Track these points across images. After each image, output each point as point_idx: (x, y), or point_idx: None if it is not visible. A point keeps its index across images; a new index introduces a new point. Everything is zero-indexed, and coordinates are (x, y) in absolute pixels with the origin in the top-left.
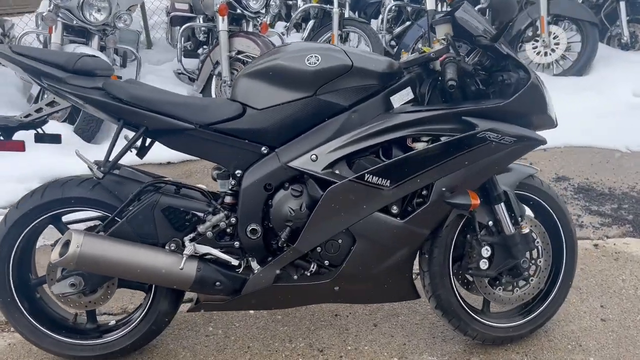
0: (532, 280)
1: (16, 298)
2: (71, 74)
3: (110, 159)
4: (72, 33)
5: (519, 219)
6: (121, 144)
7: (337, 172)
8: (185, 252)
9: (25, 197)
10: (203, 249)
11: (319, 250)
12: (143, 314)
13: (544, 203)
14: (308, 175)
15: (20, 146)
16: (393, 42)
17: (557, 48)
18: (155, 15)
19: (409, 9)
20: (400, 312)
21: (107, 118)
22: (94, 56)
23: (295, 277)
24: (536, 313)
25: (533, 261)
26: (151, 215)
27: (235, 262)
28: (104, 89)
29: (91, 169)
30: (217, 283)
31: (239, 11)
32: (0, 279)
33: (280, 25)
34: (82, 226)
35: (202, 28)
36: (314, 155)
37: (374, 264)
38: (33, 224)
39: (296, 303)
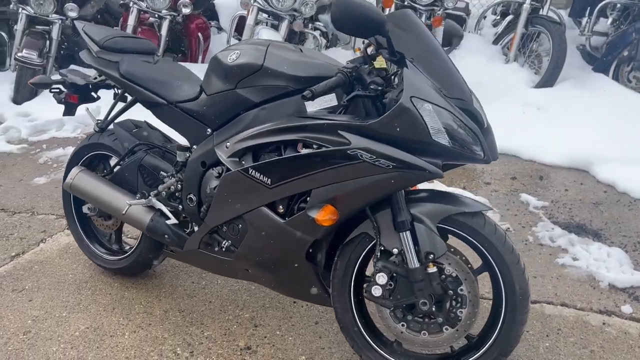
0: (446, 329)
1: (74, 213)
2: (101, 49)
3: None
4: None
5: (429, 254)
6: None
7: (242, 162)
8: (145, 203)
9: (83, 139)
10: (157, 204)
11: (225, 230)
12: (134, 248)
13: (482, 248)
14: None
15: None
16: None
17: None
18: None
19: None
20: None
21: (116, 86)
22: (132, 37)
23: (216, 248)
24: None
25: (452, 309)
26: (134, 169)
27: (174, 220)
28: (117, 64)
29: (94, 125)
30: (166, 235)
31: (407, 3)
32: (65, 200)
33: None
34: None
35: None
36: (228, 143)
37: (265, 255)
38: (83, 160)
39: (216, 271)
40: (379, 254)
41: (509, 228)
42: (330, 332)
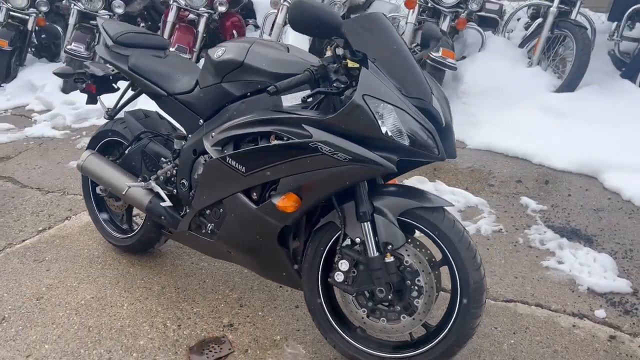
0: (403, 317)
1: (91, 195)
2: (114, 43)
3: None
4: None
5: (387, 245)
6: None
7: (224, 151)
8: (145, 186)
9: (100, 126)
10: (155, 187)
11: (209, 213)
12: (139, 228)
13: (440, 242)
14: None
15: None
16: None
17: None
18: None
19: None
20: None
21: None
22: (146, 33)
23: (203, 231)
24: (423, 356)
25: (409, 298)
26: (139, 155)
27: (169, 203)
28: (127, 57)
29: (104, 113)
30: (162, 217)
31: (430, 5)
32: (84, 182)
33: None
34: None
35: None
36: (213, 133)
37: (242, 238)
38: (100, 145)
39: (205, 252)
40: (342, 242)
41: (501, 229)
42: (308, 316)
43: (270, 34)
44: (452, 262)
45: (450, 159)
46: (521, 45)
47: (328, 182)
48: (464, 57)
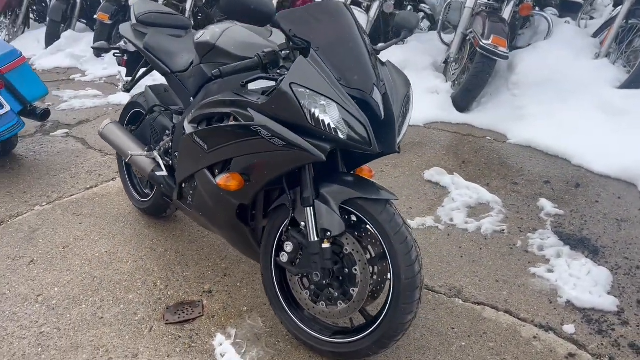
0: (340, 304)
1: (123, 161)
2: (136, 22)
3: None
4: None
5: (326, 231)
6: None
7: (198, 127)
8: (147, 155)
9: (131, 98)
10: (157, 158)
11: (186, 185)
12: (153, 193)
13: (378, 235)
14: None
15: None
16: None
17: None
18: None
19: None
20: None
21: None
22: (169, 13)
23: (186, 201)
24: (342, 347)
25: (345, 286)
26: (149, 126)
27: (165, 173)
28: (144, 36)
29: (121, 86)
30: (162, 185)
31: None
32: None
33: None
34: None
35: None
36: (192, 111)
37: (210, 212)
38: (129, 115)
39: (193, 220)
40: (289, 225)
41: (503, 230)
42: None
43: None
44: (388, 256)
45: (389, 152)
46: (595, 35)
47: (269, 166)
48: (529, 45)
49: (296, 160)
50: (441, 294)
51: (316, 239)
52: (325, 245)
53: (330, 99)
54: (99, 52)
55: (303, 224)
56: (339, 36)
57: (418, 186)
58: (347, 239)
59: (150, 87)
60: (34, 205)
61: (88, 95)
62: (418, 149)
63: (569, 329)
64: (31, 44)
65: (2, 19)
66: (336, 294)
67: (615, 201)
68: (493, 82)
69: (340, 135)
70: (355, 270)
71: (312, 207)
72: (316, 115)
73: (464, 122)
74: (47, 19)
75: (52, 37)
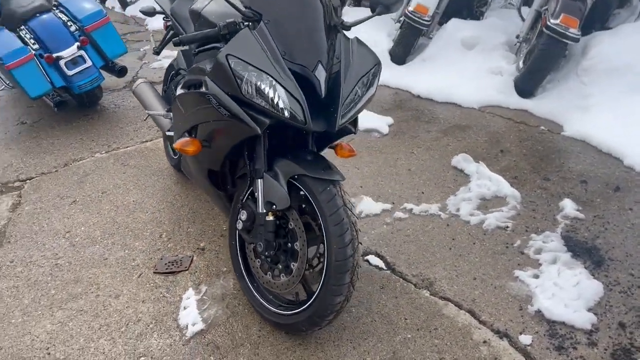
0: (282, 276)
1: None
2: None
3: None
4: None
5: (271, 204)
6: None
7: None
8: (165, 115)
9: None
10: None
11: None
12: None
13: (318, 213)
14: None
15: None
16: None
17: None
18: None
19: None
20: None
21: None
22: None
23: (182, 163)
24: (281, 319)
25: (286, 260)
26: (171, 89)
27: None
28: (172, 2)
29: (152, 49)
30: (170, 145)
31: None
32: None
33: None
34: None
35: None
36: (185, 76)
37: (192, 175)
38: (170, 77)
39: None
40: (245, 194)
41: (507, 227)
42: None
43: None
44: (324, 234)
45: (328, 130)
46: None
47: (222, 134)
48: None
49: (239, 131)
50: (411, 283)
51: (263, 210)
52: (269, 217)
53: (266, 72)
54: (146, 15)
55: (256, 194)
56: (296, 11)
57: (441, 171)
58: (292, 214)
59: (182, 51)
60: (95, 152)
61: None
62: (460, 132)
63: (526, 339)
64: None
65: None
66: (280, 266)
67: None
68: (566, 66)
69: (273, 110)
70: (296, 246)
71: (262, 179)
72: (250, 88)
73: (522, 108)
74: None
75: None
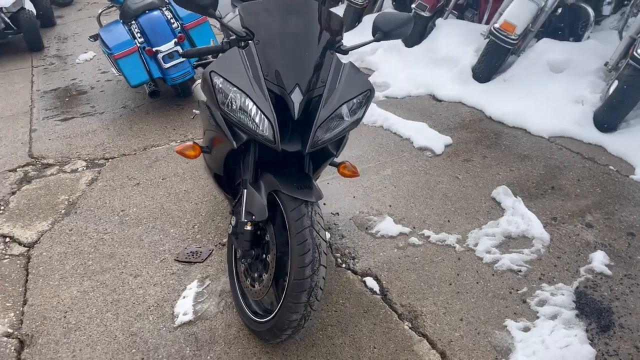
0: (258, 284)
1: None
2: None
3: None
4: None
5: (250, 214)
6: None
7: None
8: None
9: None
10: None
11: None
12: None
13: (287, 227)
14: None
15: None
16: None
17: None
18: None
19: None
20: None
21: None
22: None
23: None
24: (251, 324)
25: (262, 271)
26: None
27: None
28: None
29: None
30: None
31: None
32: None
33: None
34: None
35: None
36: None
37: (205, 168)
38: None
39: None
40: (236, 200)
41: (520, 271)
42: None
43: None
44: (289, 252)
45: (294, 150)
46: None
47: (215, 143)
48: None
49: (225, 142)
50: (396, 312)
51: (243, 220)
52: (248, 227)
53: (243, 91)
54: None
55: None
56: (287, 33)
57: (477, 201)
58: (269, 227)
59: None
60: (171, 140)
61: None
62: (517, 162)
63: None
64: None
65: None
66: (255, 274)
67: None
68: None
69: (245, 128)
70: (267, 257)
71: (246, 190)
72: (226, 104)
73: (597, 143)
74: None
75: None
